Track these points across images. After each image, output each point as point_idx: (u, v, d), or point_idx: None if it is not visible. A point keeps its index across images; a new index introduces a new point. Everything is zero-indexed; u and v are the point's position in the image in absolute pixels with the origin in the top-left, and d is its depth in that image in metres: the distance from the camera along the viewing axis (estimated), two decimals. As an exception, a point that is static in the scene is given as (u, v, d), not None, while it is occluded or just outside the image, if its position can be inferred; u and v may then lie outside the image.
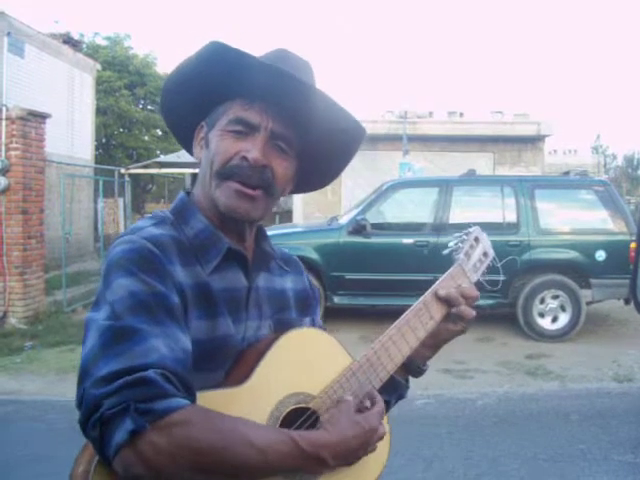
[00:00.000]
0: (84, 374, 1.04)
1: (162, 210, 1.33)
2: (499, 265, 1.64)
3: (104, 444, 0.98)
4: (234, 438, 1.01)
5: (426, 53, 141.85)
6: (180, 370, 1.05)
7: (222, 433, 1.01)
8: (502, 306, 8.97)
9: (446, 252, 1.55)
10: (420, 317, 1.41)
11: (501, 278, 1.78)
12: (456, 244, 1.54)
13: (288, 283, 1.43)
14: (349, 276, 8.89)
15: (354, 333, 8.14)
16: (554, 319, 8.73)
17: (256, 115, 1.24)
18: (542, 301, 8.71)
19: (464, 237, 1.55)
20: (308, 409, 1.22)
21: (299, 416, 1.21)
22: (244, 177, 1.23)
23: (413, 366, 1.49)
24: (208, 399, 1.10)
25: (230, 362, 1.22)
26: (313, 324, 1.46)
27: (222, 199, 1.24)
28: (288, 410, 1.20)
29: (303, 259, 8.85)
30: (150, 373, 1.00)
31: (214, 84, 1.27)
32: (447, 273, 1.48)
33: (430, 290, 1.44)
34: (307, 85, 1.23)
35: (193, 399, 1.05)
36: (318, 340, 1.31)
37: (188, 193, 1.36)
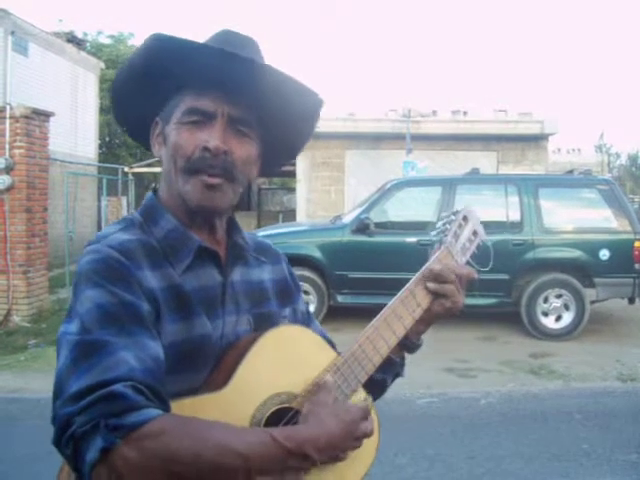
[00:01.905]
0: (57, 392, 1.03)
1: (132, 213, 1.30)
2: (490, 244, 1.60)
3: (78, 462, 0.97)
4: (211, 444, 0.98)
5: (430, 52, 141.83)
6: (151, 380, 1.03)
7: (197, 440, 0.98)
8: (506, 305, 8.96)
9: (433, 234, 1.50)
10: (407, 305, 1.37)
11: (491, 257, 1.72)
12: (443, 225, 1.49)
13: (266, 274, 1.40)
14: (352, 275, 8.90)
15: (357, 332, 8.07)
16: (558, 318, 8.71)
17: (210, 102, 1.22)
18: (546, 300, 8.70)
19: (452, 217, 1.50)
20: (291, 409, 1.19)
21: (283, 417, 1.18)
22: (209, 168, 1.20)
23: (407, 342, 1.44)
24: (187, 407, 1.08)
25: (211, 362, 1.20)
26: (294, 314, 1.43)
27: (191, 195, 1.22)
28: (271, 412, 1.17)
29: (307, 258, 8.98)
30: (119, 387, 0.98)
31: (162, 77, 1.25)
32: (434, 257, 1.43)
33: (416, 276, 1.40)
34: (253, 62, 1.20)
35: (167, 408, 1.03)
36: (299, 337, 1.27)
37: (155, 191, 1.33)
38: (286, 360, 1.22)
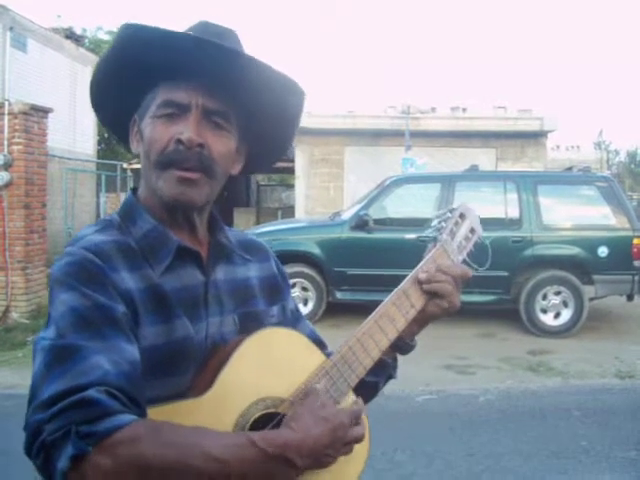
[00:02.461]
0: (30, 398, 1.00)
1: (110, 214, 1.27)
2: (488, 242, 1.56)
3: (50, 471, 0.94)
4: (187, 450, 0.95)
5: (429, 48, 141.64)
6: (125, 384, 1.00)
7: (173, 446, 0.95)
8: (504, 302, 8.97)
9: (429, 232, 1.47)
10: (400, 307, 1.33)
11: (489, 256, 1.68)
12: (439, 222, 1.45)
13: (252, 272, 1.36)
14: (351, 271, 8.90)
15: (356, 329, 8.09)
16: (556, 315, 8.72)
17: (183, 94, 1.18)
18: (544, 297, 8.70)
19: (448, 215, 1.46)
20: (278, 414, 1.15)
21: (269, 422, 1.14)
22: (182, 161, 1.16)
23: (400, 343, 1.39)
24: (168, 412, 1.04)
25: (195, 365, 1.17)
26: (283, 312, 1.39)
27: (165, 189, 1.18)
28: (256, 417, 1.13)
29: (306, 254, 8.98)
30: (92, 392, 0.95)
31: (136, 69, 1.21)
32: (429, 256, 1.39)
33: (410, 276, 1.36)
34: (231, 50, 1.16)
35: (143, 413, 1.01)
36: (285, 340, 1.23)
37: (135, 190, 1.30)
38: (271, 364, 1.18)
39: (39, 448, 0.94)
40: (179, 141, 1.16)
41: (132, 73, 1.22)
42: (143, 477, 0.94)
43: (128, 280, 1.13)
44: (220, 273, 1.28)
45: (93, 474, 0.92)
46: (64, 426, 0.93)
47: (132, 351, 1.06)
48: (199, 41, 1.14)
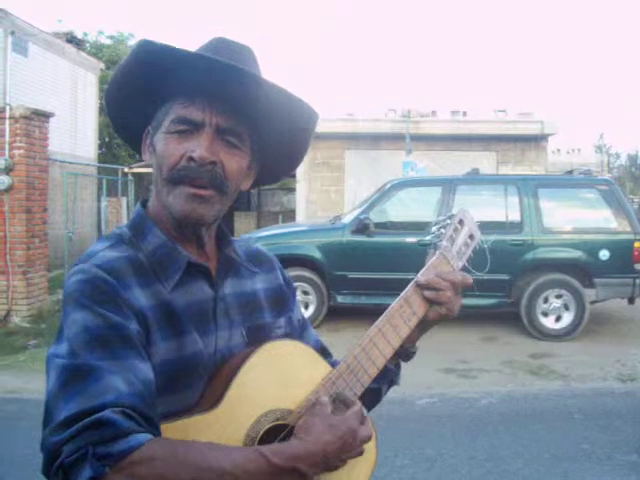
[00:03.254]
0: (46, 418, 1.02)
1: (120, 227, 1.28)
2: (486, 247, 1.56)
3: None
4: (202, 467, 0.98)
5: (429, 52, 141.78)
6: (140, 404, 1.02)
7: (188, 464, 0.97)
8: (505, 305, 8.96)
9: (428, 239, 1.47)
10: (402, 314, 1.34)
11: (488, 261, 1.68)
12: (438, 229, 1.46)
13: (259, 284, 1.37)
14: (352, 275, 8.89)
15: (357, 333, 8.14)
16: (558, 318, 8.71)
17: (198, 111, 1.18)
18: (546, 300, 8.69)
19: (447, 221, 1.47)
20: (287, 425, 1.17)
21: (279, 434, 1.16)
22: (194, 178, 1.17)
23: (402, 350, 1.40)
24: (179, 428, 1.07)
25: (205, 379, 1.18)
26: (290, 323, 1.40)
27: (176, 206, 1.19)
28: (265, 429, 1.14)
29: (306, 258, 8.97)
30: (107, 413, 0.97)
31: (152, 85, 1.22)
32: (429, 263, 1.40)
33: (411, 284, 1.37)
34: (247, 72, 1.17)
35: (157, 432, 1.02)
36: (292, 352, 1.24)
37: (145, 203, 1.30)
38: (279, 376, 1.19)
39: (57, 469, 0.96)
40: (191, 158, 1.17)
41: (147, 88, 1.23)
42: None
43: (140, 297, 1.14)
44: (228, 287, 1.29)
45: None
46: (81, 447, 0.95)
47: (146, 370, 1.07)
48: (216, 62, 1.15)
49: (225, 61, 1.15)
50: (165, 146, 1.20)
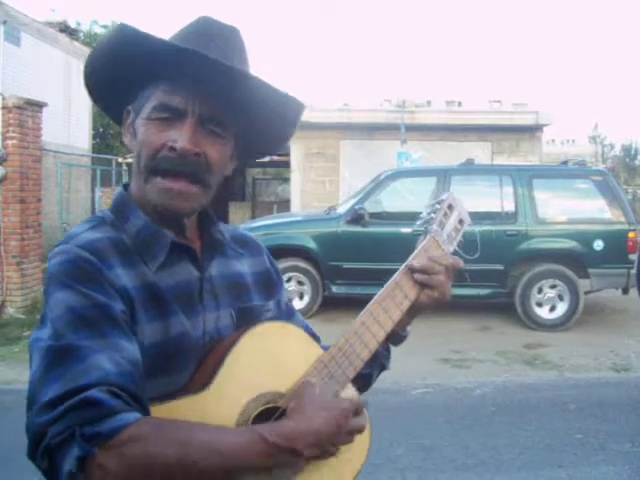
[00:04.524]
0: (30, 401, 0.99)
1: (102, 210, 1.25)
2: (477, 232, 1.56)
3: (55, 474, 0.93)
4: (192, 445, 0.95)
5: (424, 42, 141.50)
6: (128, 383, 0.99)
7: (179, 443, 0.95)
8: (500, 295, 8.99)
9: (418, 223, 1.46)
10: (394, 298, 1.33)
11: (478, 245, 1.67)
12: (428, 214, 1.45)
13: (245, 267, 1.35)
14: (347, 265, 8.90)
15: (352, 322, 8.10)
16: (552, 308, 8.74)
17: (181, 99, 1.15)
18: (540, 290, 8.72)
19: (437, 206, 1.46)
20: (278, 408, 1.15)
21: (270, 417, 1.13)
22: (173, 169, 1.14)
23: (393, 334, 1.39)
24: (168, 410, 1.04)
25: (193, 361, 1.16)
26: (278, 306, 1.38)
27: (151, 196, 1.17)
28: (256, 412, 1.12)
29: (301, 248, 8.97)
30: (94, 392, 0.94)
31: (133, 67, 1.18)
32: (420, 247, 1.39)
33: (402, 268, 1.36)
34: (224, 65, 1.11)
35: (146, 411, 1.00)
36: (283, 334, 1.23)
37: (127, 186, 1.28)
38: (269, 359, 1.18)
39: (44, 452, 0.93)
40: (172, 149, 1.14)
41: (129, 70, 1.19)
42: (150, 475, 0.94)
43: (124, 277, 1.11)
44: (214, 268, 1.27)
45: (100, 475, 0.92)
46: (68, 428, 0.92)
47: (132, 349, 1.05)
48: (195, 54, 1.10)
49: (206, 54, 1.10)
50: (145, 133, 1.17)
